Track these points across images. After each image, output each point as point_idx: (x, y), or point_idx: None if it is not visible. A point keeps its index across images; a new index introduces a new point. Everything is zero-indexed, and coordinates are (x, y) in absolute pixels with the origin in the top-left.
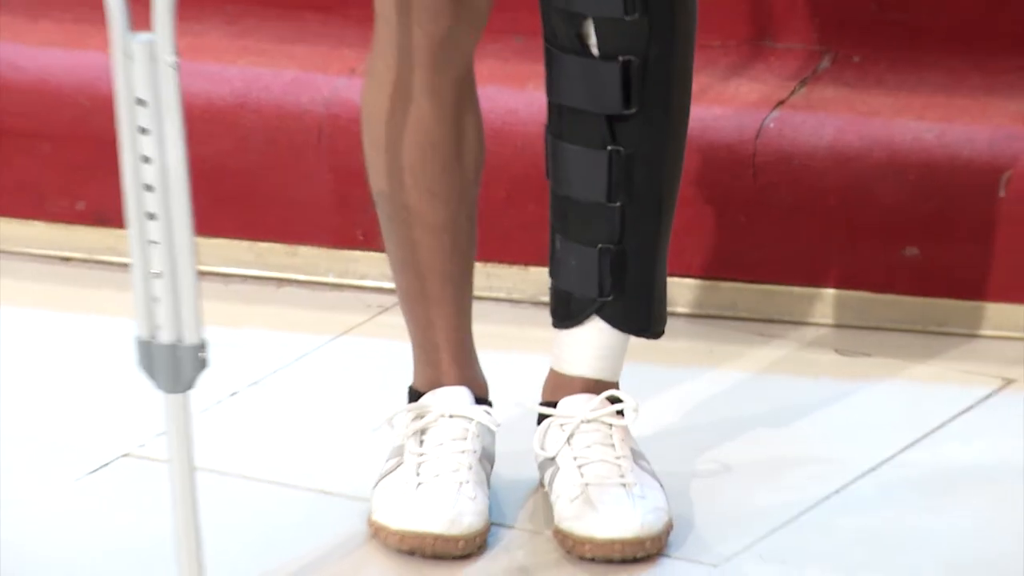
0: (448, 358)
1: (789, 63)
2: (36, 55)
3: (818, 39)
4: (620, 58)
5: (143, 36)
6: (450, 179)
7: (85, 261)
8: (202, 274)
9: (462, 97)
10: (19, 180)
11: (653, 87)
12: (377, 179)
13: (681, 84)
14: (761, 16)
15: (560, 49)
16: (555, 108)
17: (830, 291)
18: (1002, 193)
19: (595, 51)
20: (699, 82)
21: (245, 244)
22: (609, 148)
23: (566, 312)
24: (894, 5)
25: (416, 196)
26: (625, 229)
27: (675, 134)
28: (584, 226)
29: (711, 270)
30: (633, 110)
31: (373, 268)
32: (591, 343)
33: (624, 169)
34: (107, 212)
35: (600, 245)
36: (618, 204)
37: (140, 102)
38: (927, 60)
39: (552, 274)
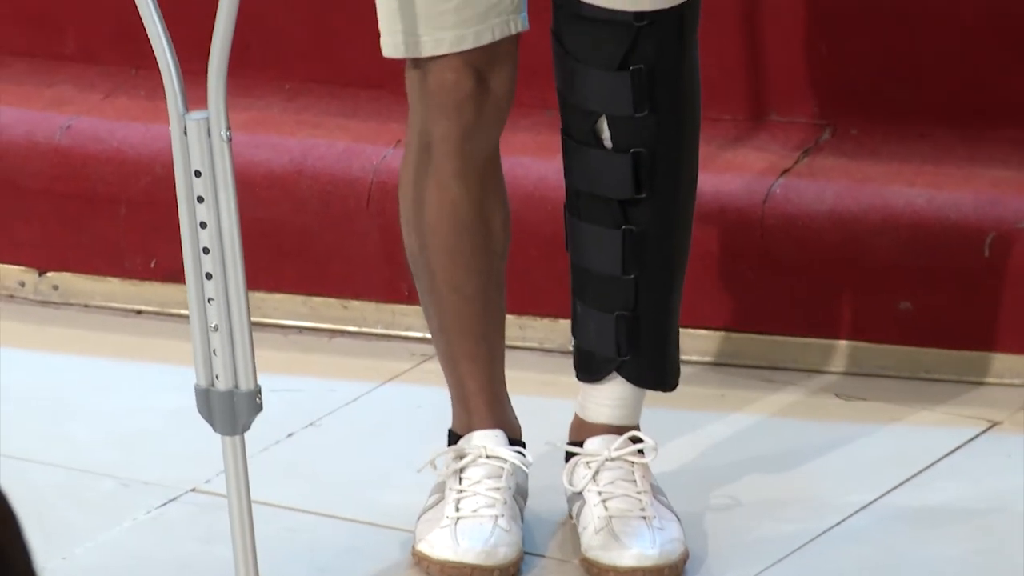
0: (483, 406)
1: (793, 135)
2: (115, 128)
3: (819, 114)
4: (631, 150)
5: (198, 114)
6: (480, 256)
7: (157, 314)
8: (262, 326)
9: (488, 181)
10: (99, 240)
11: (661, 175)
12: (413, 255)
13: (687, 171)
14: (767, 93)
15: (576, 141)
16: (573, 191)
17: (831, 341)
18: (986, 253)
19: (608, 144)
20: (711, 152)
21: (301, 298)
22: (623, 228)
23: (588, 368)
24: (888, 83)
25: (450, 271)
26: (639, 298)
27: (683, 214)
28: (601, 295)
29: (722, 322)
30: (643, 195)
31: (417, 320)
32: (612, 396)
33: (636, 246)
34: (177, 269)
35: (616, 312)
36: (632, 276)
37: (196, 173)
38: (918, 133)
39: (574, 334)
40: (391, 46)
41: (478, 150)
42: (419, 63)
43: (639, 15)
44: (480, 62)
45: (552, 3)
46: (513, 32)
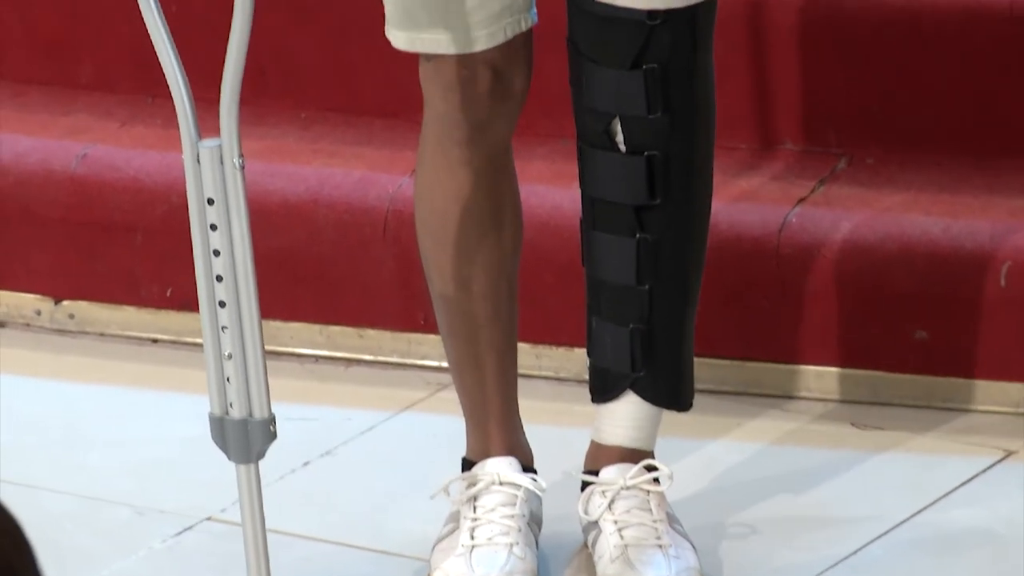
0: (496, 427)
1: (809, 164)
2: (131, 157)
3: (835, 142)
4: (645, 153)
5: (211, 141)
6: (489, 249)
7: (172, 343)
8: (278, 355)
9: (499, 171)
10: (114, 269)
11: (676, 179)
12: (424, 252)
13: (702, 175)
14: (782, 121)
15: (591, 145)
16: (588, 200)
17: (847, 370)
18: (1002, 282)
19: (622, 147)
20: (727, 181)
21: (317, 327)
22: (637, 236)
23: (603, 387)
24: (903, 113)
25: (457, 264)
26: (653, 309)
27: (698, 222)
28: (616, 307)
29: (738, 351)
30: (658, 201)
31: (433, 349)
32: (627, 415)
33: (651, 255)
34: (193, 298)
35: (631, 325)
36: (646, 287)
37: (209, 201)
38: (934, 161)
39: (589, 352)
40: (403, 40)
41: (491, 141)
42: (432, 56)
43: (652, 13)
44: (496, 59)
45: (567, 5)
46: (523, 29)
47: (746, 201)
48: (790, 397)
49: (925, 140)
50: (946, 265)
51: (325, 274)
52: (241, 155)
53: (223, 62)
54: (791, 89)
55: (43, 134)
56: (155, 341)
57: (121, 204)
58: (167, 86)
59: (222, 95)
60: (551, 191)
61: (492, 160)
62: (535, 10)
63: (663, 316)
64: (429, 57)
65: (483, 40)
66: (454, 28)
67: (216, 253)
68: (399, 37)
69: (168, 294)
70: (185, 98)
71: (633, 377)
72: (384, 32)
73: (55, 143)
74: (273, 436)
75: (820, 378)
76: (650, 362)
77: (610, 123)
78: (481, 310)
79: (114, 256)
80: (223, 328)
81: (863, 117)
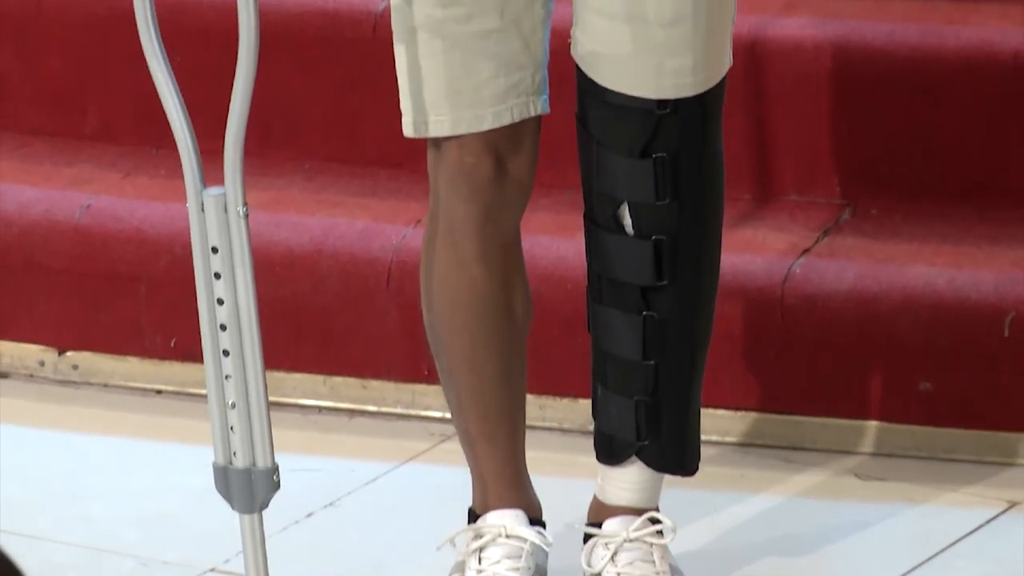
0: (503, 485)
1: (813, 215)
2: (134, 208)
3: (839, 194)
4: (653, 237)
5: (215, 190)
6: (501, 335)
7: (176, 393)
8: (281, 406)
9: (510, 261)
10: (118, 319)
11: (683, 262)
12: (434, 336)
13: (709, 259)
14: (786, 173)
15: (599, 227)
16: (595, 275)
17: (851, 422)
18: (1006, 333)
19: (630, 231)
20: (732, 232)
21: (320, 378)
22: (644, 314)
23: (608, 451)
24: (907, 164)
25: (470, 352)
26: (659, 384)
27: (704, 302)
28: (622, 380)
29: (742, 402)
30: (665, 282)
31: (437, 400)
32: (631, 480)
33: (657, 332)
34: (197, 349)
35: (636, 397)
36: (652, 362)
37: (213, 249)
38: (937, 212)
39: (595, 417)
40: (410, 125)
41: (499, 232)
42: (439, 143)
43: (662, 103)
44: (500, 144)
45: (577, 88)
46: (533, 114)
47: (750, 252)
48: (793, 448)
49: (929, 191)
50: (950, 316)
51: (329, 325)
52: (245, 203)
53: (226, 113)
54: (795, 140)
55: (47, 185)
56: (159, 392)
57: (125, 255)
58: (171, 137)
59: (226, 143)
60: (555, 242)
61: (503, 251)
62: (547, 97)
63: (669, 390)
64: (436, 143)
65: (489, 119)
66: (458, 107)
67: (220, 302)
68: (407, 124)
69: (172, 345)
70: (190, 147)
71: (639, 445)
72: (387, 83)
73: (59, 194)
74: (277, 486)
75: (823, 429)
76: (655, 432)
77: (618, 207)
78: (492, 388)
79: (118, 307)
80: (227, 377)
81: (867, 168)
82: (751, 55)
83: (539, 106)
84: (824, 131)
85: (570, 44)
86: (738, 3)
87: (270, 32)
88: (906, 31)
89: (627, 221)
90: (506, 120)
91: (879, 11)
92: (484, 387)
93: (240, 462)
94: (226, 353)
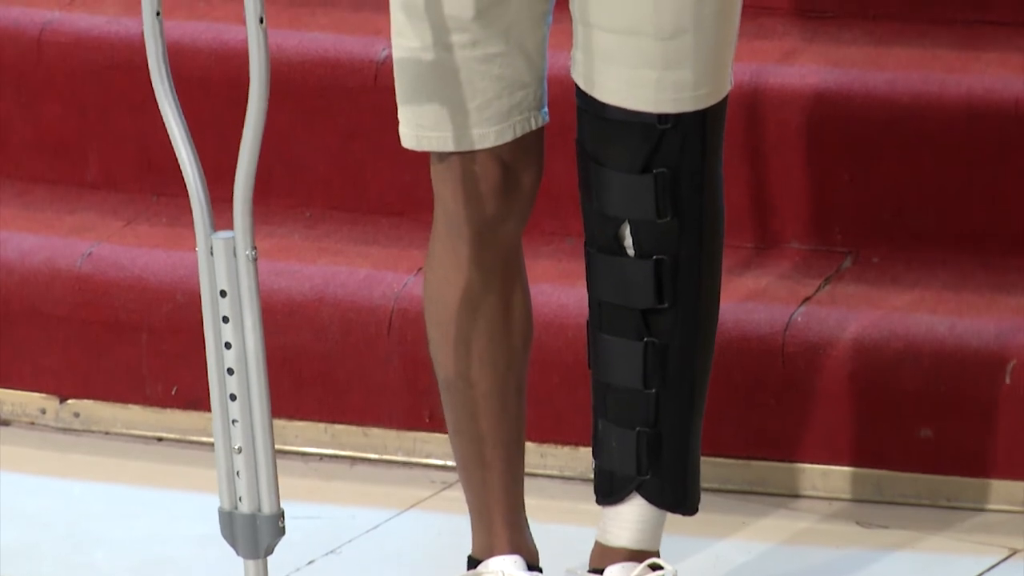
0: (501, 525)
1: (815, 263)
2: (136, 256)
3: (841, 242)
4: (654, 257)
5: (224, 234)
6: (498, 347)
7: (177, 441)
8: (283, 453)
9: (509, 270)
10: (119, 367)
11: (684, 283)
12: (434, 348)
13: (710, 280)
14: (788, 220)
15: (599, 250)
16: (595, 303)
17: (852, 469)
18: (1007, 380)
19: (631, 251)
20: (733, 280)
21: (322, 426)
22: (645, 339)
23: (609, 489)
24: (909, 212)
25: (467, 363)
26: (660, 413)
27: (705, 326)
28: (623, 410)
29: (744, 449)
30: (666, 304)
31: (438, 448)
32: (632, 517)
33: (658, 359)
34: (198, 397)
35: (637, 428)
36: (653, 390)
37: (222, 293)
38: (939, 260)
39: (595, 454)
40: (411, 138)
41: (501, 239)
42: (443, 154)
43: (663, 117)
44: (506, 153)
45: (577, 110)
46: (534, 127)
47: (752, 300)
48: (796, 496)
49: (930, 238)
50: (951, 363)
51: (330, 372)
52: (254, 247)
53: (227, 161)
54: (796, 188)
55: (49, 232)
56: (160, 440)
57: (126, 303)
58: (172, 185)
59: (235, 187)
60: (556, 290)
61: (502, 259)
62: (547, 109)
63: (670, 420)
64: (440, 155)
65: (492, 137)
66: (462, 125)
67: (228, 346)
68: (407, 136)
69: (173, 392)
70: (200, 190)
71: (639, 480)
72: (389, 131)
73: (61, 241)
74: (282, 531)
75: (826, 477)
76: (656, 465)
77: (619, 227)
78: (488, 407)
79: (119, 354)
80: (233, 421)
81: (868, 216)
82: (752, 102)
83: (540, 119)
84: (825, 179)
85: (570, 66)
86: (737, 51)
87: (271, 80)
88: (907, 79)
89: (628, 242)
90: (508, 137)
91: (880, 59)
92: (479, 404)
93: (245, 507)
94: (233, 397)
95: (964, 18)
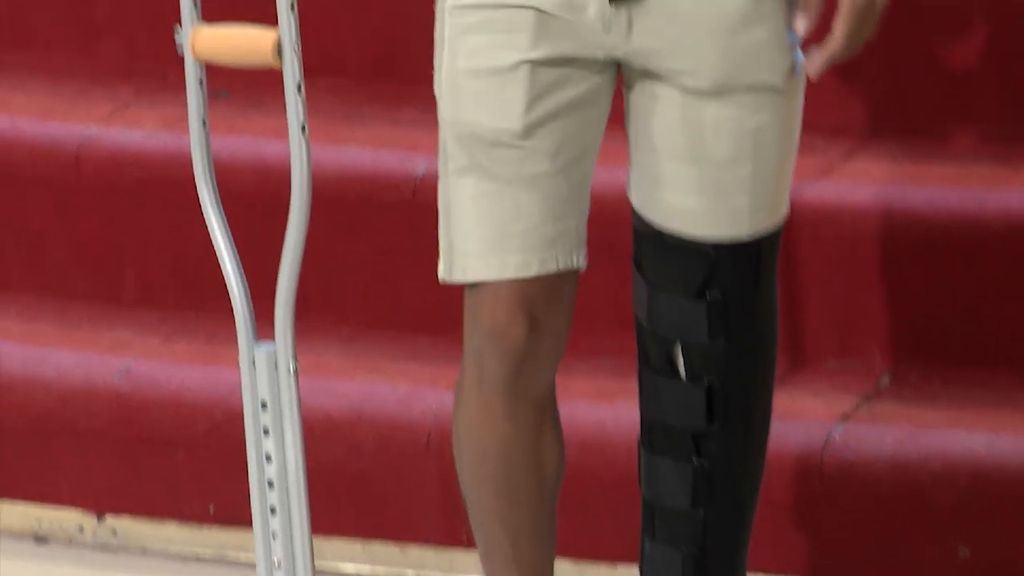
0: None
1: (852, 381)
2: (173, 372)
3: (879, 359)
4: (705, 379)
5: (266, 345)
6: (530, 489)
7: (214, 560)
8: (320, 571)
9: (542, 419)
10: (157, 484)
11: (734, 407)
12: (465, 487)
13: (761, 403)
14: (827, 339)
15: (652, 370)
16: (646, 423)
17: None
18: None
19: (682, 373)
20: (773, 398)
21: (359, 543)
22: (694, 461)
23: None
24: (947, 329)
25: (499, 504)
26: (707, 535)
27: (754, 449)
28: (670, 531)
29: (783, 567)
30: (716, 427)
31: (476, 566)
32: None
33: (706, 480)
34: (236, 514)
35: (685, 549)
36: (701, 512)
37: (263, 405)
38: (975, 378)
39: (642, 573)
40: (448, 271)
41: (531, 387)
42: (474, 294)
43: (718, 245)
44: (537, 301)
45: (633, 232)
46: (575, 265)
47: (790, 417)
48: None
49: (968, 356)
50: (989, 482)
51: (367, 489)
52: (295, 359)
53: (268, 277)
54: (834, 305)
55: (87, 349)
56: (198, 557)
57: (164, 420)
58: (210, 300)
59: (277, 301)
60: (594, 408)
61: (535, 407)
62: (585, 252)
63: (717, 541)
64: (472, 293)
65: (535, 266)
66: (507, 251)
67: (268, 458)
68: (442, 268)
69: (211, 510)
70: (243, 301)
71: None
72: (427, 247)
73: (98, 358)
74: None
75: None
76: None
77: (671, 349)
78: (522, 540)
79: (157, 472)
80: (273, 535)
81: (906, 333)
82: (789, 218)
83: (581, 259)
84: (863, 296)
85: (626, 187)
86: None
87: None
88: (946, 196)
89: (680, 363)
90: (551, 268)
91: (918, 176)
92: (511, 538)
93: None
94: (273, 511)
95: (1002, 133)
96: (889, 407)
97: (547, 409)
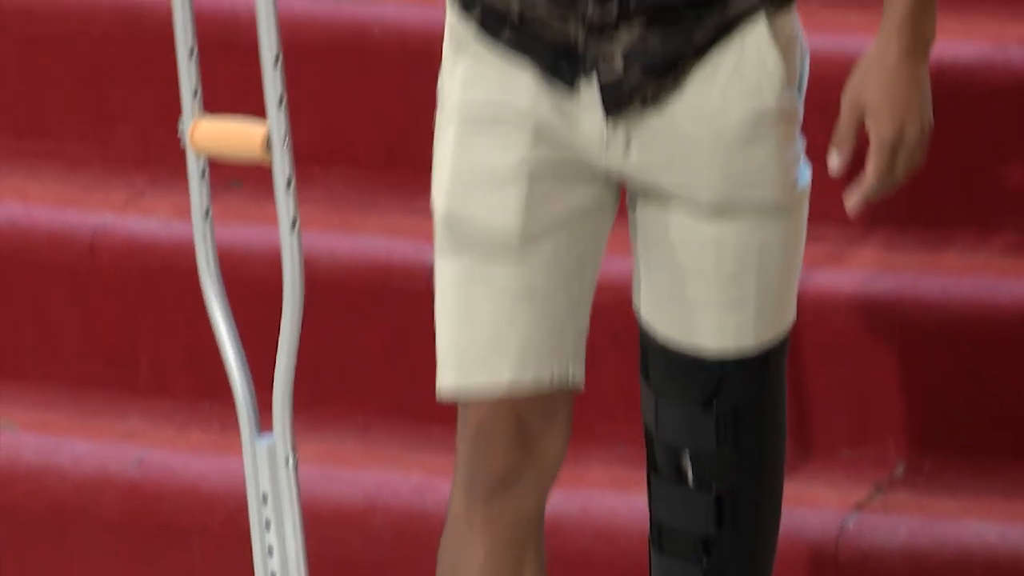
0: None
1: (866, 470)
2: (188, 461)
3: (892, 449)
4: (714, 486)
5: (267, 438)
6: None
7: None
8: None
9: (522, 543)
10: (170, 573)
11: (744, 513)
12: None
13: (769, 509)
14: (840, 429)
15: (660, 476)
16: (655, 524)
17: None
18: None
19: (691, 480)
20: (787, 486)
21: None
22: (703, 562)
23: None
24: (960, 419)
25: None
26: None
27: (764, 552)
28: None
29: None
30: (724, 532)
31: None
32: None
33: None
34: None
35: None
36: None
37: (264, 497)
38: (989, 468)
39: None
40: (447, 389)
41: (515, 506)
42: (468, 412)
43: (724, 359)
44: (533, 421)
45: (640, 339)
46: (571, 381)
47: (804, 506)
48: None
49: (982, 446)
50: (1002, 571)
51: None
52: (294, 452)
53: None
54: (847, 394)
55: (101, 438)
56: None
57: (178, 509)
58: (224, 389)
59: (275, 394)
60: (607, 496)
61: (514, 528)
62: (583, 372)
63: None
64: (465, 407)
65: (529, 379)
66: (502, 363)
67: (270, 551)
68: (442, 388)
69: None
70: (245, 393)
71: None
72: None
73: (112, 447)
74: None
75: None
76: None
77: (680, 456)
78: None
79: (171, 561)
80: None
81: (919, 423)
82: (801, 308)
83: (578, 375)
84: (877, 386)
85: (632, 298)
86: None
87: (322, 284)
88: (959, 285)
89: (688, 471)
90: (545, 382)
91: (932, 265)
92: None
93: None
94: None
95: (1016, 222)
96: (903, 496)
97: (530, 542)
